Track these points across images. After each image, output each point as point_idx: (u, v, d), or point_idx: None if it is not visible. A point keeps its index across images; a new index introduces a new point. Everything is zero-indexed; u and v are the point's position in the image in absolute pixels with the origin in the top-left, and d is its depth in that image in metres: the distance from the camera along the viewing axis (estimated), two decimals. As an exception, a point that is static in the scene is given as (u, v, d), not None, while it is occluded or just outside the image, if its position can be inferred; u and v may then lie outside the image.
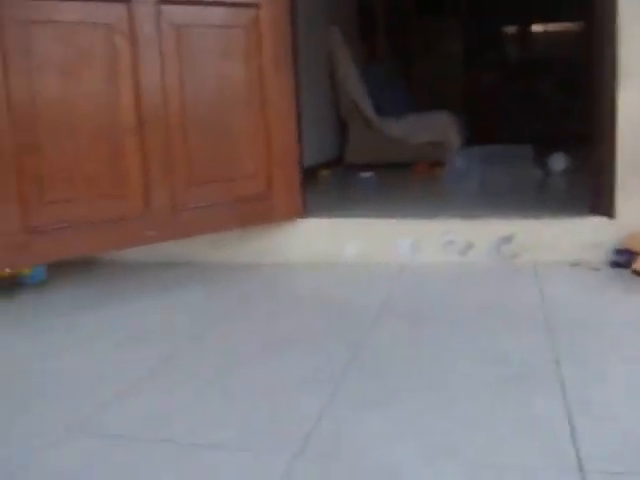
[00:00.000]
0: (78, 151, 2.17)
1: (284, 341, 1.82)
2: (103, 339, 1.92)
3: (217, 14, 2.39)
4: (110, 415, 1.44)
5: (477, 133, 5.00)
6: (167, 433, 1.34)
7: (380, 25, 6.25)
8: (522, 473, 1.13)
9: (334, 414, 1.37)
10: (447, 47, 7.10)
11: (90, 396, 1.53)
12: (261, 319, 2.04)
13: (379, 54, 6.10)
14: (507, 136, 4.35)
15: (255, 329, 1.95)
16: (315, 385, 1.52)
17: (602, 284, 2.22)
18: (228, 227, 2.50)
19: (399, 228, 2.55)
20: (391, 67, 5.72)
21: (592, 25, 2.50)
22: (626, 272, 2.27)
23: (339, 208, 2.88)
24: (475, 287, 2.26)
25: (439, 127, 4.63)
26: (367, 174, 3.91)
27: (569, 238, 2.44)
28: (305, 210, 2.65)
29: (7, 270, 2.38)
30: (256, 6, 2.44)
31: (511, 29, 7.49)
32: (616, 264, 2.34)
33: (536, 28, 7.34)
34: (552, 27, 7.24)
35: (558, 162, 3.92)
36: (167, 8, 2.27)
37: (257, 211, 2.51)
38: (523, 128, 5.82)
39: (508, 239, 2.46)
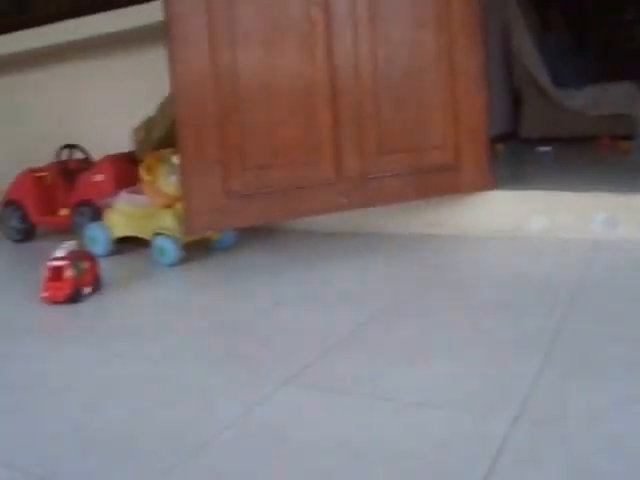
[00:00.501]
0: (275, 119, 2.25)
1: (484, 308, 1.79)
2: (306, 299, 1.99)
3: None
4: (321, 369, 1.49)
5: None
6: (377, 389, 1.37)
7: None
8: None
9: (549, 380, 1.34)
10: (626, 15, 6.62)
11: (306, 350, 1.60)
12: (455, 287, 2.02)
13: (554, 24, 5.81)
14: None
15: (451, 296, 1.94)
16: (524, 351, 1.49)
17: None
18: (413, 197, 2.50)
19: (593, 202, 2.43)
20: (567, 37, 5.44)
21: None
22: None
23: (521, 182, 2.79)
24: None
25: (623, 99, 4.35)
26: (546, 148, 3.76)
27: None
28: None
29: (207, 233, 2.53)
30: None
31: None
32: None
33: None
34: None
35: None
36: (362, -23, 2.29)
37: (444, 182, 2.49)
38: None
39: None
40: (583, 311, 1.74)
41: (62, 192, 3.16)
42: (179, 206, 2.51)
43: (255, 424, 1.27)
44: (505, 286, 2.00)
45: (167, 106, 2.68)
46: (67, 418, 1.37)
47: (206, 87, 2.18)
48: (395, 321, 1.76)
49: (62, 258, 2.18)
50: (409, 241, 2.56)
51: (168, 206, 2.53)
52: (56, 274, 2.16)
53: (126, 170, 2.88)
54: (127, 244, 2.73)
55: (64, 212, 3.15)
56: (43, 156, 3.24)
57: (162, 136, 2.73)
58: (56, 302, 2.14)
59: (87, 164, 3.18)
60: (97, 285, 2.25)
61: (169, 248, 2.46)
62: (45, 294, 2.16)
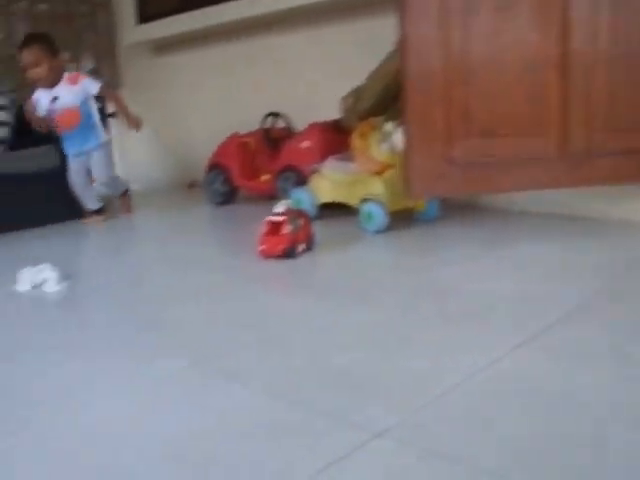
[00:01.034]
0: (502, 87, 2.18)
1: None
2: (518, 272, 1.93)
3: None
4: (556, 335, 1.43)
5: None
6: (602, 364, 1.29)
7: None
8: None
9: None
10: None
11: (535, 318, 1.54)
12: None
13: None
14: None
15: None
16: None
17: None
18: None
19: None
20: None
21: None
22: None
23: None
24: None
25: None
26: None
27: None
28: None
29: (412, 204, 2.52)
30: None
31: None
32: None
33: None
34: None
35: None
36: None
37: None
38: None
39: None
40: None
41: (264, 158, 3.27)
42: (389, 173, 2.51)
43: (497, 376, 1.24)
44: None
45: (378, 75, 2.68)
46: (314, 354, 1.41)
47: (435, 53, 2.15)
48: (619, 298, 1.66)
49: (281, 214, 2.24)
50: (626, 229, 2.40)
51: (378, 173, 2.53)
52: (274, 229, 2.22)
53: (332, 138, 2.92)
54: (328, 211, 2.77)
55: (265, 178, 3.25)
56: (249, 123, 3.36)
57: (371, 105, 2.74)
58: (272, 256, 2.20)
59: (289, 132, 3.26)
60: (310, 243, 2.30)
61: (377, 214, 2.47)
62: (262, 247, 2.23)
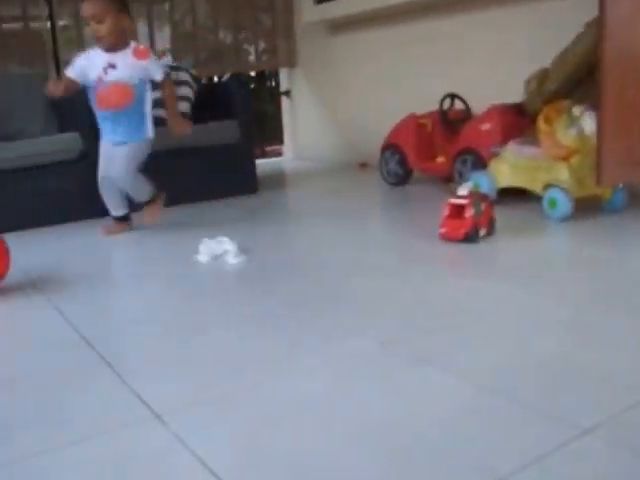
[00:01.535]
0: None
1: None
2: None
3: None
4: None
5: None
6: None
7: None
8: None
9: None
10: None
11: None
12: None
13: None
14: None
15: None
16: None
17: None
18: None
19: None
20: None
21: None
22: None
23: None
24: None
25: None
26: None
27: None
28: None
29: (599, 192, 2.42)
30: None
31: None
32: None
33: None
34: None
35: None
36: None
37: None
38: None
39: None
40: None
41: (441, 140, 3.27)
42: (575, 159, 2.43)
43: None
44: None
45: (566, 57, 2.59)
46: (510, 341, 1.42)
47: (635, 35, 2.06)
48: None
49: (464, 197, 2.24)
50: None
51: (564, 158, 2.45)
52: (457, 212, 2.23)
53: (512, 121, 2.86)
54: (506, 196, 2.72)
55: (440, 159, 3.25)
56: (423, 105, 3.36)
57: (557, 88, 2.66)
58: (453, 239, 2.22)
59: (466, 114, 3.23)
60: (491, 228, 2.28)
61: (562, 201, 2.40)
62: (443, 230, 2.25)
